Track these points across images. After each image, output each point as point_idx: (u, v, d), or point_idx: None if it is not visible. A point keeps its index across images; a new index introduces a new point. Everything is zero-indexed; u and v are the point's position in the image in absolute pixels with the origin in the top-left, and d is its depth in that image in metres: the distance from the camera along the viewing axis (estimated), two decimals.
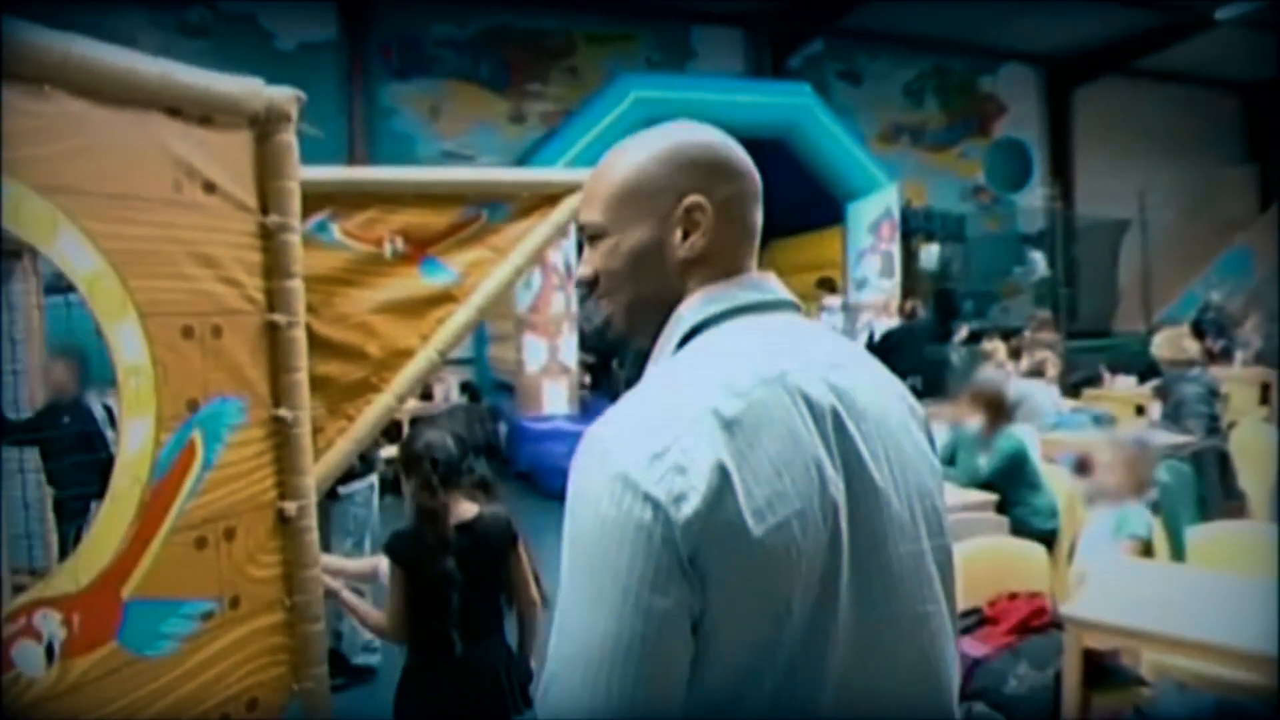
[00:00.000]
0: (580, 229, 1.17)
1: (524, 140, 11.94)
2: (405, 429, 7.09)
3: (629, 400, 1.01)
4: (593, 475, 0.95)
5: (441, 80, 12.10)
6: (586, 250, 1.16)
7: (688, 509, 0.90)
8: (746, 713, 0.95)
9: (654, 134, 1.15)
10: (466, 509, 2.66)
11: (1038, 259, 13.85)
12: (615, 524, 0.91)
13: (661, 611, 0.89)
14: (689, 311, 1.10)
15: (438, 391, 9.84)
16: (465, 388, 10.08)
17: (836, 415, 1.00)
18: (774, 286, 1.13)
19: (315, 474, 2.51)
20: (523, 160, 10.53)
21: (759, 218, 1.16)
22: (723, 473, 0.91)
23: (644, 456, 0.92)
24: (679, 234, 1.10)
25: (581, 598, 0.93)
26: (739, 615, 0.92)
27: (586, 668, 0.90)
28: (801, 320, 1.13)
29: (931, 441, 1.20)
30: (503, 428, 9.65)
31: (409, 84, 11.96)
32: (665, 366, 1.08)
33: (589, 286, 1.16)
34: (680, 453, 0.92)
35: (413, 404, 8.40)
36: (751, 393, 0.96)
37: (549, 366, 9.31)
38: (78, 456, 3.76)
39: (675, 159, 1.11)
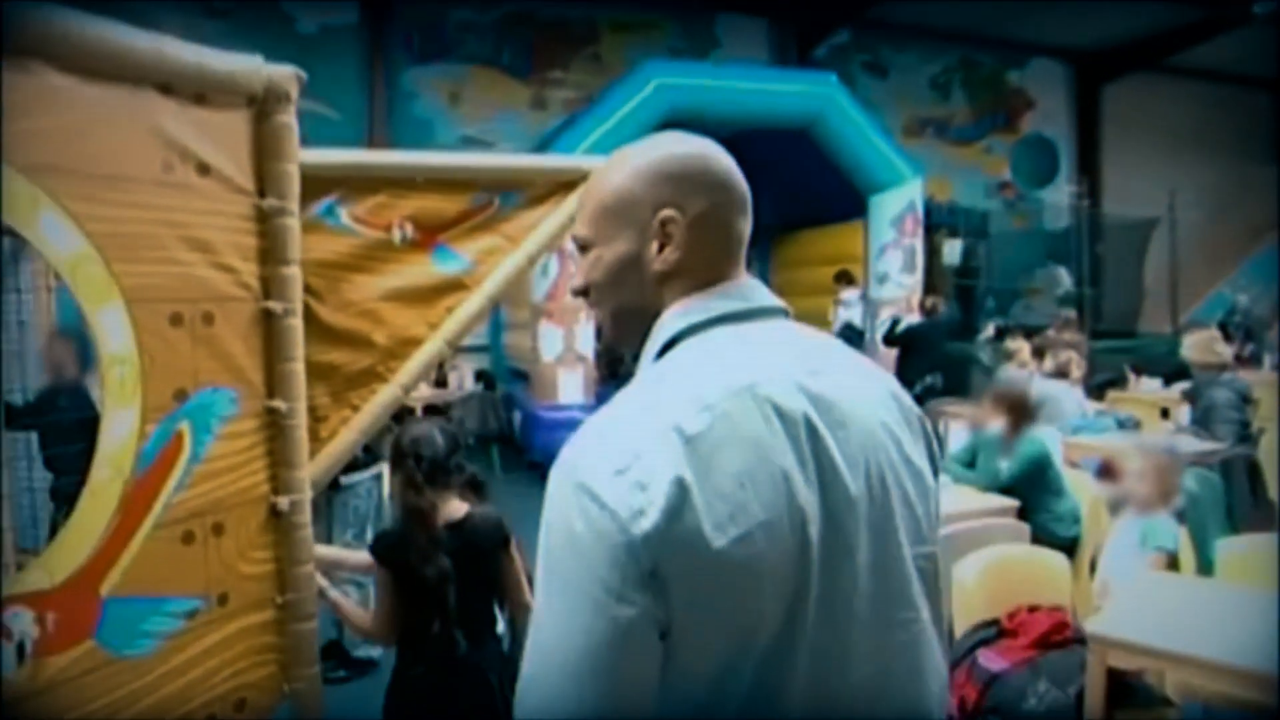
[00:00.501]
0: (573, 239, 1.22)
1: (545, 127, 11.82)
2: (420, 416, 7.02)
3: (602, 414, 1.04)
4: (563, 488, 0.99)
5: (463, 65, 12.01)
6: (580, 260, 1.21)
7: (646, 523, 0.93)
8: (719, 718, 0.97)
9: (639, 147, 1.19)
10: (456, 508, 2.56)
11: (1062, 273, 13.64)
12: (582, 536, 0.95)
13: (628, 621, 0.93)
14: (668, 321, 1.12)
15: (452, 379, 9.77)
16: (480, 375, 10.01)
17: (810, 423, 1.02)
18: (756, 294, 1.15)
19: (318, 464, 2.44)
20: (543, 147, 10.41)
21: (743, 228, 1.17)
22: (681, 487, 0.94)
23: (608, 471, 0.96)
24: (655, 246, 1.13)
25: (553, 607, 0.97)
26: (706, 624, 0.95)
27: (562, 675, 0.94)
28: (785, 326, 1.15)
29: (930, 446, 1.20)
30: (517, 416, 9.57)
31: (430, 68, 11.87)
32: (641, 378, 1.11)
33: (582, 295, 1.21)
34: (642, 469, 0.95)
35: (426, 391, 8.34)
36: (717, 406, 0.98)
37: (565, 355, 9.22)
38: (74, 441, 3.69)
39: (652, 173, 1.14)
